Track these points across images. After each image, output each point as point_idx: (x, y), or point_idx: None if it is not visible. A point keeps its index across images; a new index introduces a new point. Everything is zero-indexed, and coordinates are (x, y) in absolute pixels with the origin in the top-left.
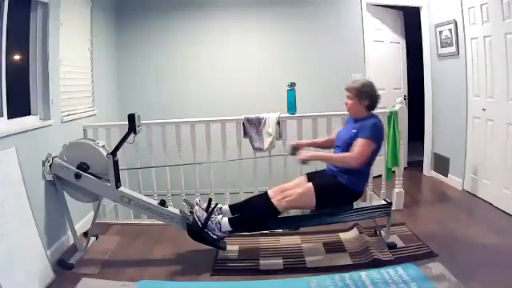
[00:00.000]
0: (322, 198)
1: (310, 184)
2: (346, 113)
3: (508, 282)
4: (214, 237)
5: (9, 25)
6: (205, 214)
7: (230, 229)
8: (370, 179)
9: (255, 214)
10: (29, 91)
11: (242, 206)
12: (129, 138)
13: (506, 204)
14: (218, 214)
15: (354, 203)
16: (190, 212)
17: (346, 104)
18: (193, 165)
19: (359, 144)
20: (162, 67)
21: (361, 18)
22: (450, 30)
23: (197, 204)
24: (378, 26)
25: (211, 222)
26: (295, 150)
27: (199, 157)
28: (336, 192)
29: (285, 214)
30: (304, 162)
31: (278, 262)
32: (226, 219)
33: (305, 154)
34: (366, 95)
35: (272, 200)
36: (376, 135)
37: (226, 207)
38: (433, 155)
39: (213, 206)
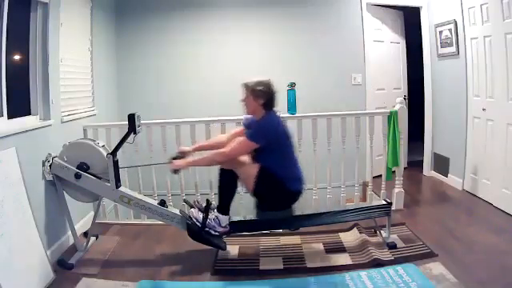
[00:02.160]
0: (262, 182)
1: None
2: (346, 113)
3: (508, 282)
4: (216, 233)
5: (9, 25)
6: (201, 215)
7: (227, 220)
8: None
9: (220, 184)
10: (29, 91)
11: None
12: (129, 138)
13: (506, 204)
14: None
15: (354, 204)
16: (189, 213)
17: (243, 102)
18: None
19: (237, 141)
20: (161, 67)
21: (361, 18)
22: (449, 30)
23: (195, 205)
24: (378, 26)
25: (210, 220)
26: (177, 158)
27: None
28: (271, 185)
29: (284, 215)
30: (175, 171)
31: (278, 262)
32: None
33: (178, 163)
34: (261, 94)
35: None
36: (257, 137)
37: None
38: (433, 155)
39: (207, 204)
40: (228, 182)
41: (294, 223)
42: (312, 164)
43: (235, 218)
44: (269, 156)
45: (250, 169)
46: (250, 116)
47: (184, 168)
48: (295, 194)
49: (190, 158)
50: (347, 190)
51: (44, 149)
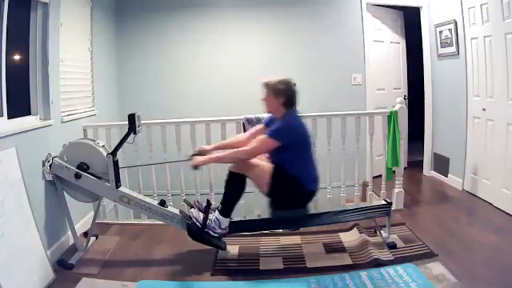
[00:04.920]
0: (274, 183)
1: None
2: (346, 113)
3: (508, 282)
4: (216, 235)
5: (9, 25)
6: (201, 215)
7: (227, 222)
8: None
9: (227, 187)
10: (29, 91)
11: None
12: (129, 138)
13: (506, 204)
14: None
15: (354, 204)
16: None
17: (263, 101)
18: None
19: (256, 140)
20: (161, 67)
21: (361, 18)
22: (449, 30)
23: (195, 205)
24: (378, 26)
25: (210, 221)
26: (199, 155)
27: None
28: (286, 182)
29: (284, 215)
30: (196, 167)
31: (278, 262)
32: (220, 214)
33: (198, 159)
34: (282, 92)
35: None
36: (277, 135)
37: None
38: (433, 155)
39: (207, 205)
40: (235, 186)
41: (294, 223)
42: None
43: (235, 218)
44: (287, 155)
45: (263, 169)
46: (269, 114)
47: (205, 164)
48: (310, 193)
49: (211, 155)
50: (347, 190)
51: (44, 149)
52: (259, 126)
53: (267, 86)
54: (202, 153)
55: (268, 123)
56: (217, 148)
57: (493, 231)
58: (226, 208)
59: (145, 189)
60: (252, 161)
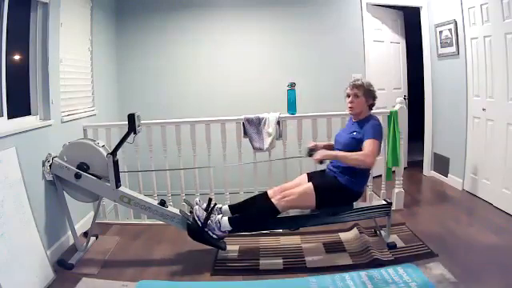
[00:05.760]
0: (321, 198)
1: (311, 183)
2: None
3: (508, 282)
4: (214, 236)
5: (9, 25)
6: (204, 214)
7: (229, 228)
8: (370, 179)
9: (255, 213)
10: (29, 91)
11: (241, 205)
12: (129, 138)
13: (506, 204)
14: (218, 214)
15: (354, 203)
16: (190, 212)
17: (352, 102)
18: (192, 164)
19: (368, 144)
20: (161, 67)
21: (361, 18)
22: (449, 30)
23: (196, 204)
24: (378, 26)
25: (211, 221)
26: (312, 151)
27: (199, 157)
28: (336, 192)
29: (284, 214)
30: (321, 161)
31: (278, 262)
32: (225, 218)
33: (321, 153)
34: (372, 94)
35: (272, 199)
36: (379, 135)
37: (225, 207)
38: (433, 155)
39: (212, 205)
40: (265, 218)
41: (294, 223)
42: (312, 164)
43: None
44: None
45: (304, 192)
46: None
47: (329, 159)
48: (359, 195)
49: (337, 152)
50: None
51: (44, 149)
52: (346, 138)
53: (361, 87)
54: (314, 148)
55: (350, 128)
56: (326, 146)
57: (493, 231)
58: (239, 223)
59: (145, 189)
60: (290, 194)
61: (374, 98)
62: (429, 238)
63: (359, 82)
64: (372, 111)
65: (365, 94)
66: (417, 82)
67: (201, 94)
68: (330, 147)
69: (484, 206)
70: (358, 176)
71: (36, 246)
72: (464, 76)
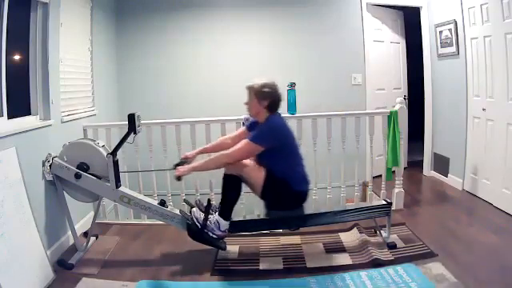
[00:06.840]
0: (269, 185)
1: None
2: (346, 113)
3: (508, 282)
4: (214, 236)
5: (9, 25)
6: (202, 215)
7: (227, 225)
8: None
9: (224, 190)
10: (29, 91)
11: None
12: (129, 138)
13: (506, 204)
14: (216, 213)
15: (354, 204)
16: (190, 212)
17: (247, 104)
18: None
19: (240, 143)
20: (161, 67)
21: (361, 18)
22: (449, 30)
23: (196, 205)
24: (378, 26)
25: (210, 222)
26: (181, 164)
27: (199, 157)
28: (276, 186)
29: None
30: (179, 178)
31: (278, 262)
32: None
33: (180, 169)
34: (265, 95)
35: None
36: (260, 139)
37: None
38: (433, 155)
39: (205, 204)
40: (232, 188)
41: (294, 223)
42: (312, 164)
43: (235, 218)
44: (274, 158)
45: (257, 173)
46: (250, 117)
47: (187, 174)
48: (300, 194)
49: (194, 163)
50: (347, 190)
51: (44, 149)
52: (242, 129)
53: (251, 89)
54: (186, 160)
55: (250, 127)
56: (201, 152)
57: (493, 231)
58: (225, 210)
59: (145, 189)
60: (246, 162)
61: (271, 99)
62: (429, 238)
63: (250, 84)
64: (271, 113)
65: (256, 95)
66: (417, 82)
67: (201, 94)
68: (208, 151)
69: (484, 206)
70: (282, 163)
71: (36, 246)
72: (464, 76)
